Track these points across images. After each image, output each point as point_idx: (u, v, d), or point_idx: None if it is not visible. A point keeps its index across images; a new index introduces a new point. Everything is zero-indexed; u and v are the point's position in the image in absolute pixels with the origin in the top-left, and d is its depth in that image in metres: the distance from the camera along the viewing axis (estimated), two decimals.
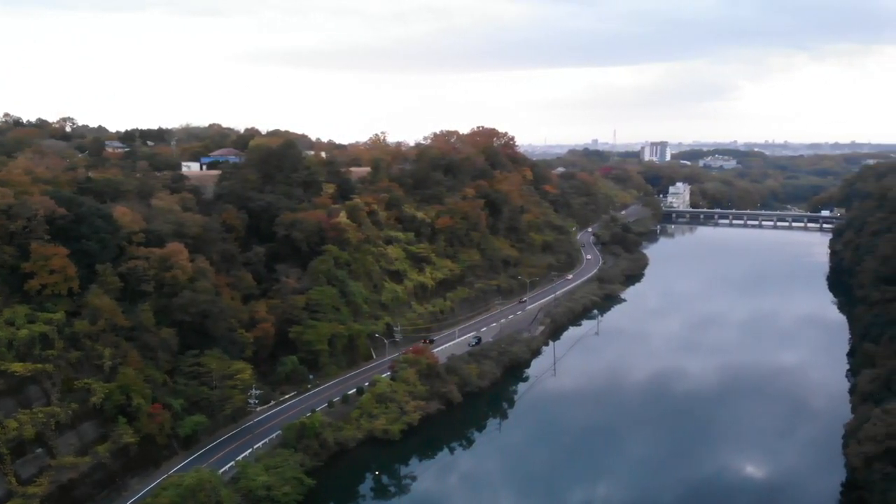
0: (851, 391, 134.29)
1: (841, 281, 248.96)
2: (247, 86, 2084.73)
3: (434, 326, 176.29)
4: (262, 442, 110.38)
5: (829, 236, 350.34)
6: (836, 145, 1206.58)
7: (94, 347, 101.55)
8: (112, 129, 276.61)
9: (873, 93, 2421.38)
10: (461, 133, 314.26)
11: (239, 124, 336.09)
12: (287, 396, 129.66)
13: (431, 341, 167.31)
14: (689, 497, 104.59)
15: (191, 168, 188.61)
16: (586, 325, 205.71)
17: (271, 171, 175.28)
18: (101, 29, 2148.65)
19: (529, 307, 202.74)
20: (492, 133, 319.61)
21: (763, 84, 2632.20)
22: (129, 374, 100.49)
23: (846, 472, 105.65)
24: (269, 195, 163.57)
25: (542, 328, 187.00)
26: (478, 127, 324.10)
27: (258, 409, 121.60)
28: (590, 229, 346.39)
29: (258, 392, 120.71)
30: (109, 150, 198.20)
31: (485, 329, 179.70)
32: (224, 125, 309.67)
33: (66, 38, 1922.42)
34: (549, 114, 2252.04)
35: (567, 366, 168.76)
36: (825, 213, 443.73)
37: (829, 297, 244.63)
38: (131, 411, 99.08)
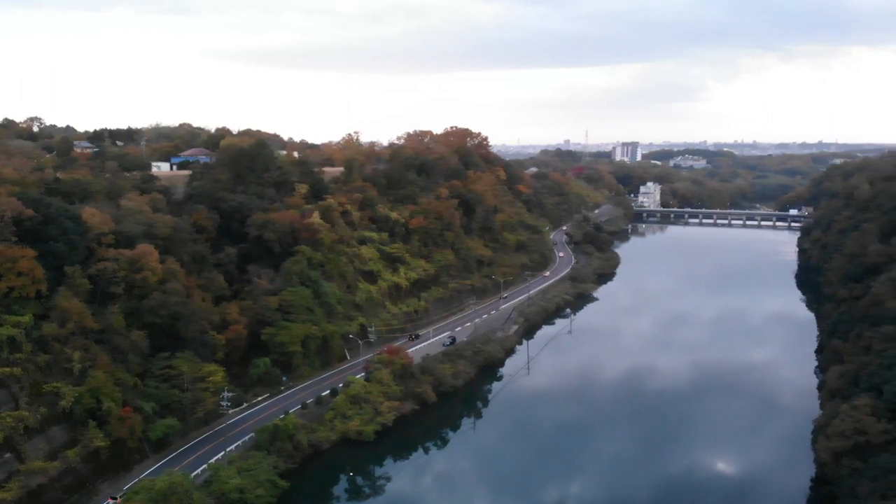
0: (820, 387, 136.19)
1: (809, 279, 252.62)
2: (217, 85, 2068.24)
3: (408, 326, 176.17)
4: (235, 444, 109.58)
5: (797, 235, 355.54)
6: (803, 145, 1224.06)
7: (62, 350, 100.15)
8: (80, 128, 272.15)
9: (840, 93, 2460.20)
10: (434, 133, 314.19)
11: (210, 124, 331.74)
12: (260, 398, 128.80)
13: (417, 336, 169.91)
14: (662, 494, 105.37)
15: (161, 168, 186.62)
16: (559, 323, 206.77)
17: (243, 172, 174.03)
18: (68, 28, 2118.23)
19: (503, 306, 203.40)
20: (465, 133, 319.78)
21: (732, 85, 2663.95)
22: (98, 378, 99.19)
23: (815, 468, 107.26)
24: (241, 195, 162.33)
25: (515, 327, 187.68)
26: (451, 127, 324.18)
27: (230, 411, 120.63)
28: (564, 227, 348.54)
29: (230, 394, 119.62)
30: (78, 150, 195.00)
31: (459, 329, 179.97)
32: (194, 125, 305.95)
33: (33, 36, 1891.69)
34: (522, 114, 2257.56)
35: (541, 364, 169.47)
36: (793, 211, 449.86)
37: (798, 294, 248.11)
38: (101, 415, 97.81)
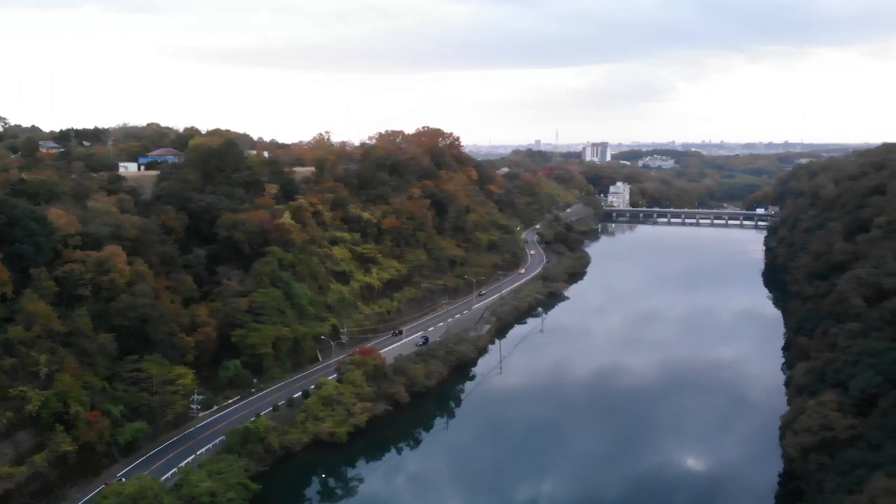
0: (787, 384, 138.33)
1: (776, 277, 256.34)
2: (186, 84, 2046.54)
3: (381, 327, 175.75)
4: (206, 448, 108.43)
5: (763, 233, 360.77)
6: (770, 145, 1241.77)
7: (29, 354, 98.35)
8: (46, 128, 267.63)
9: (805, 93, 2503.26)
10: (406, 133, 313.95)
11: (178, 123, 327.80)
12: (230, 401, 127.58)
13: (401, 332, 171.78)
14: (633, 491, 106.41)
15: (128, 168, 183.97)
16: (531, 322, 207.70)
17: (212, 171, 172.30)
18: (33, 26, 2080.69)
19: (476, 306, 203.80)
20: (437, 133, 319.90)
21: (700, 85, 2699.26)
22: (66, 381, 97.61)
23: (783, 463, 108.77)
24: (210, 196, 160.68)
25: (488, 327, 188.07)
26: (423, 127, 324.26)
27: (201, 414, 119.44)
28: (538, 226, 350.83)
29: (200, 397, 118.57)
30: (43, 150, 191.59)
31: (432, 329, 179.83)
32: (163, 124, 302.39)
33: None
34: (493, 114, 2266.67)
35: (513, 364, 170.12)
36: (760, 210, 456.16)
37: (765, 292, 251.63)
38: (69, 419, 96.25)
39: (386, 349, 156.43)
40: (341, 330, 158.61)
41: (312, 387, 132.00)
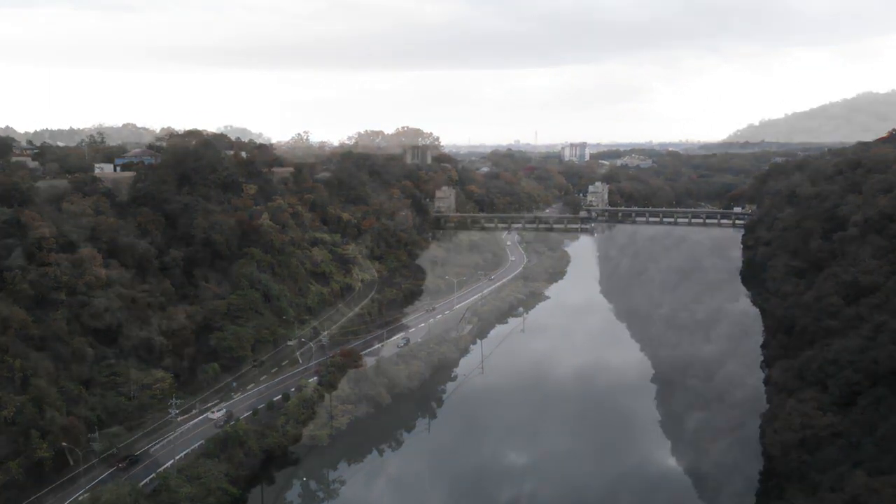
0: (766, 382, 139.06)
1: (754, 275, 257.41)
2: (161, 84, 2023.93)
3: (362, 328, 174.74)
4: (185, 452, 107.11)
5: (741, 232, 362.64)
6: (746, 144, 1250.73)
7: (3, 359, 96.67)
8: (20, 129, 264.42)
9: (780, 93, 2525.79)
10: (386, 133, 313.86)
11: (154, 124, 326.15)
12: (209, 405, 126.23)
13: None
14: (615, 489, 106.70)
15: (104, 170, 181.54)
16: (513, 322, 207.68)
17: (188, 172, 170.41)
18: (3, 26, 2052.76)
19: (457, 306, 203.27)
20: (417, 133, 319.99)
21: (676, 85, 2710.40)
22: (41, 386, 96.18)
23: (764, 461, 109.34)
24: (187, 197, 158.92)
25: (469, 327, 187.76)
26: (403, 127, 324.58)
27: (179, 418, 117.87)
28: (518, 225, 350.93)
29: (178, 401, 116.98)
30: (18, 151, 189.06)
31: (413, 329, 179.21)
32: (138, 125, 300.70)
33: None
34: (473, 114, 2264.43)
35: (494, 364, 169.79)
36: (737, 209, 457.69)
37: (743, 290, 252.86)
38: (44, 424, 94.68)
39: (367, 350, 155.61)
40: (321, 332, 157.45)
41: (293, 389, 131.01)
